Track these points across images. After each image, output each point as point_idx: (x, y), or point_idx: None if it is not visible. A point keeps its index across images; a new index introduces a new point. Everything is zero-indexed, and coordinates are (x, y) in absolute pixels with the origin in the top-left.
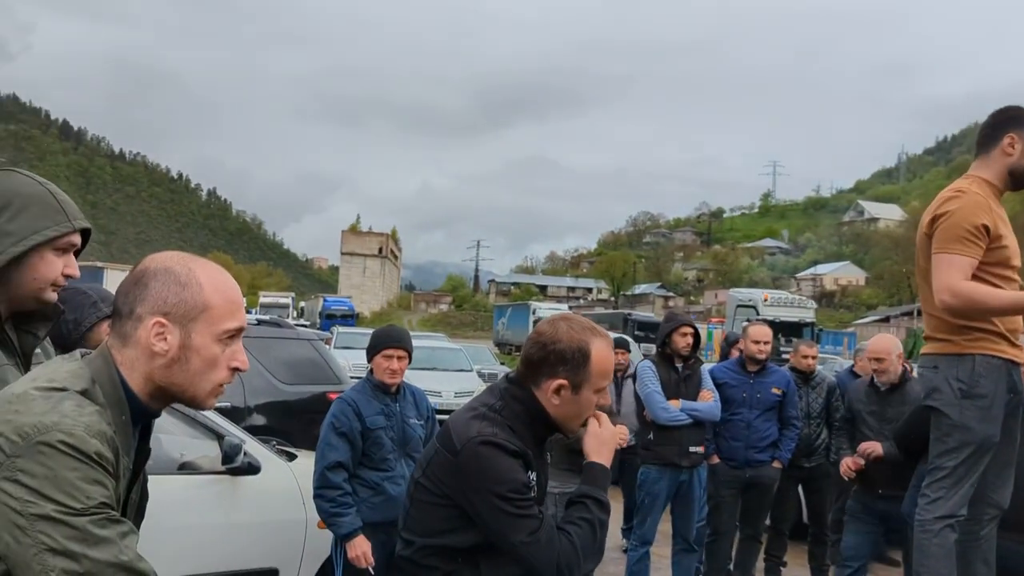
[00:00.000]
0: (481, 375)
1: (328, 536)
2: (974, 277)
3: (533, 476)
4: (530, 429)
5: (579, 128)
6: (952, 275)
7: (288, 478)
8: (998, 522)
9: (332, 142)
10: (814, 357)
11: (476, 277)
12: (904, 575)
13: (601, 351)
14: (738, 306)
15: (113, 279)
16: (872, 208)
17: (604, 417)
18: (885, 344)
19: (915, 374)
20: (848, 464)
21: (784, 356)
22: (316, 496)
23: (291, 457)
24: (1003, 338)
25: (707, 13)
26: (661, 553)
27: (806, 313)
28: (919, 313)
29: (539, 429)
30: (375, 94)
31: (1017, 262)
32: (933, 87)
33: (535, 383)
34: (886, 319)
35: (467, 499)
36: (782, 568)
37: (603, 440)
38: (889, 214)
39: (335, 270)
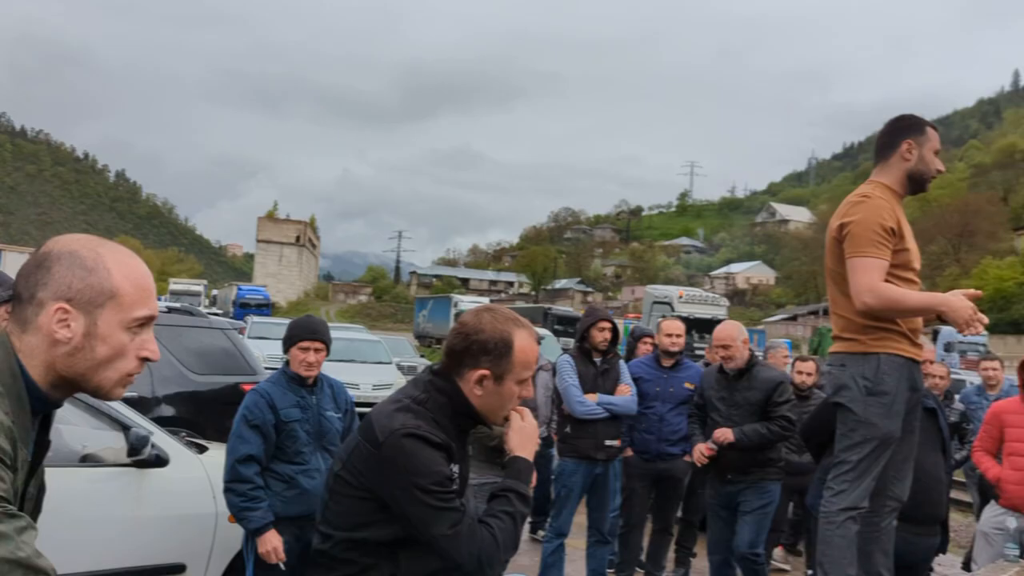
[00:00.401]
0: (400, 368)
1: (239, 531)
2: None
3: (456, 469)
4: (453, 421)
5: (505, 121)
6: (870, 277)
7: (198, 471)
8: (897, 514)
9: (250, 126)
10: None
11: (397, 268)
12: (807, 564)
13: (524, 342)
14: (654, 302)
15: (12, 262)
16: (783, 210)
17: (527, 411)
18: (730, 331)
19: (824, 369)
20: (701, 450)
21: (698, 352)
22: (226, 490)
23: (201, 449)
24: (906, 337)
25: (632, 14)
26: (575, 544)
27: (719, 310)
28: (825, 312)
29: (462, 421)
30: (296, 78)
31: (917, 265)
32: (843, 95)
33: (458, 374)
34: (794, 317)
35: (389, 492)
36: (691, 559)
37: (526, 434)
38: (799, 216)
39: (250, 258)
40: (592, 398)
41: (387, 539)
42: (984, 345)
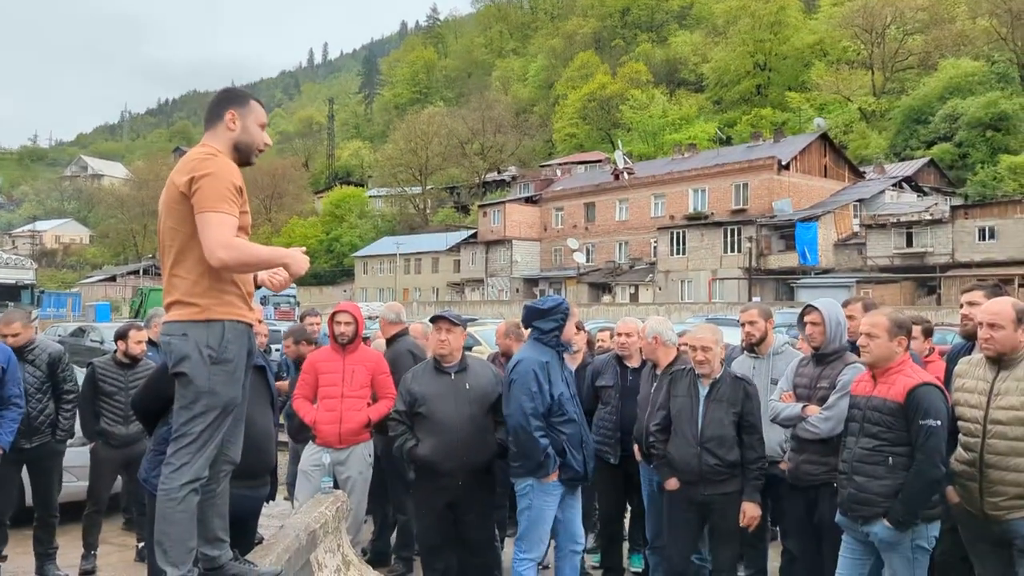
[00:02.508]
0: None
1: None
2: None
3: None
4: None
5: None
6: (224, 232)
7: None
8: (230, 475)
9: None
10: (14, 335)
11: None
12: (138, 538)
13: None
14: None
15: None
16: (96, 164)
17: None
18: None
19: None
20: None
21: None
22: None
23: None
24: (245, 301)
25: None
26: None
27: (25, 274)
28: (145, 272)
29: None
30: None
31: (249, 229)
32: (158, 50)
33: None
34: (112, 278)
35: None
36: (1, 563)
37: None
38: (114, 172)
39: None
40: None
41: None
42: (294, 297)
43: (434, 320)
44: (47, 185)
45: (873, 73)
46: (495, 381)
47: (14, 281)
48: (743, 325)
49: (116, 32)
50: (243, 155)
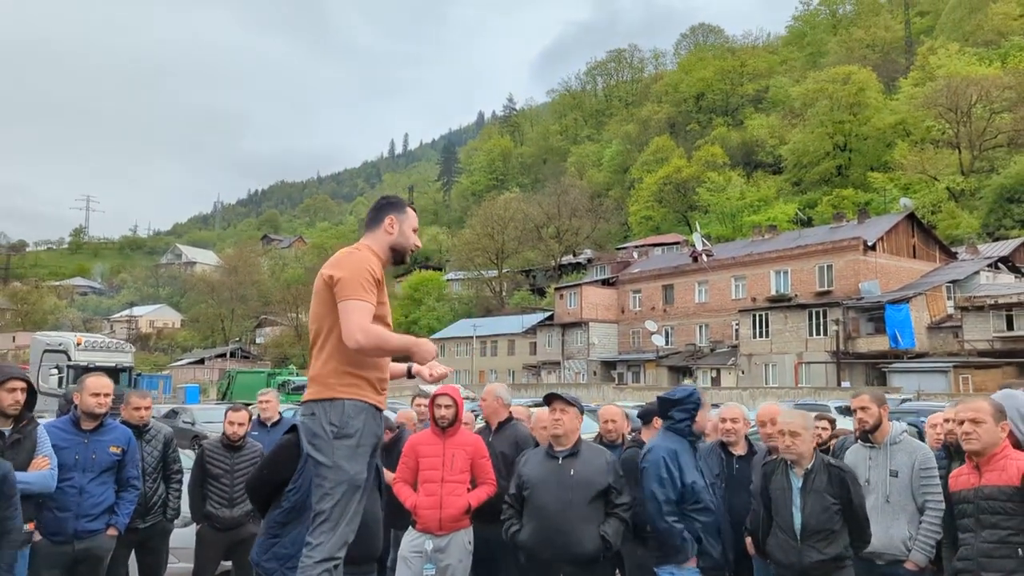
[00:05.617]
0: None
1: None
2: None
3: None
4: None
5: None
6: (363, 318)
7: None
8: (344, 556)
9: None
10: (147, 408)
11: None
12: None
13: None
14: (45, 351)
15: None
16: (190, 252)
17: None
18: None
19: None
20: None
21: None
22: None
23: None
24: (372, 386)
25: (26, 22)
26: None
27: (124, 357)
28: (232, 355)
29: None
30: None
31: (390, 321)
32: (249, 144)
33: None
34: (201, 361)
35: None
36: None
37: None
38: (206, 259)
39: None
40: None
41: None
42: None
43: (548, 399)
44: (144, 272)
45: (960, 152)
46: (606, 469)
47: (114, 364)
48: (855, 411)
49: (211, 127)
50: (398, 256)
